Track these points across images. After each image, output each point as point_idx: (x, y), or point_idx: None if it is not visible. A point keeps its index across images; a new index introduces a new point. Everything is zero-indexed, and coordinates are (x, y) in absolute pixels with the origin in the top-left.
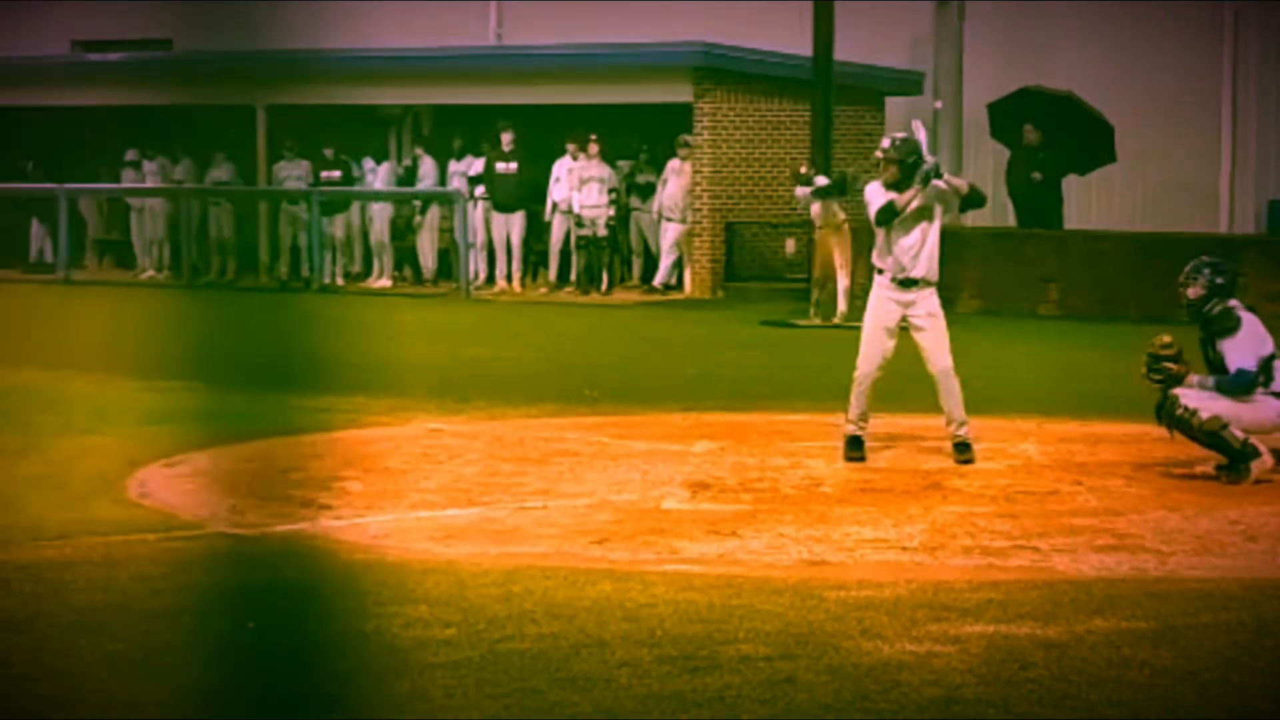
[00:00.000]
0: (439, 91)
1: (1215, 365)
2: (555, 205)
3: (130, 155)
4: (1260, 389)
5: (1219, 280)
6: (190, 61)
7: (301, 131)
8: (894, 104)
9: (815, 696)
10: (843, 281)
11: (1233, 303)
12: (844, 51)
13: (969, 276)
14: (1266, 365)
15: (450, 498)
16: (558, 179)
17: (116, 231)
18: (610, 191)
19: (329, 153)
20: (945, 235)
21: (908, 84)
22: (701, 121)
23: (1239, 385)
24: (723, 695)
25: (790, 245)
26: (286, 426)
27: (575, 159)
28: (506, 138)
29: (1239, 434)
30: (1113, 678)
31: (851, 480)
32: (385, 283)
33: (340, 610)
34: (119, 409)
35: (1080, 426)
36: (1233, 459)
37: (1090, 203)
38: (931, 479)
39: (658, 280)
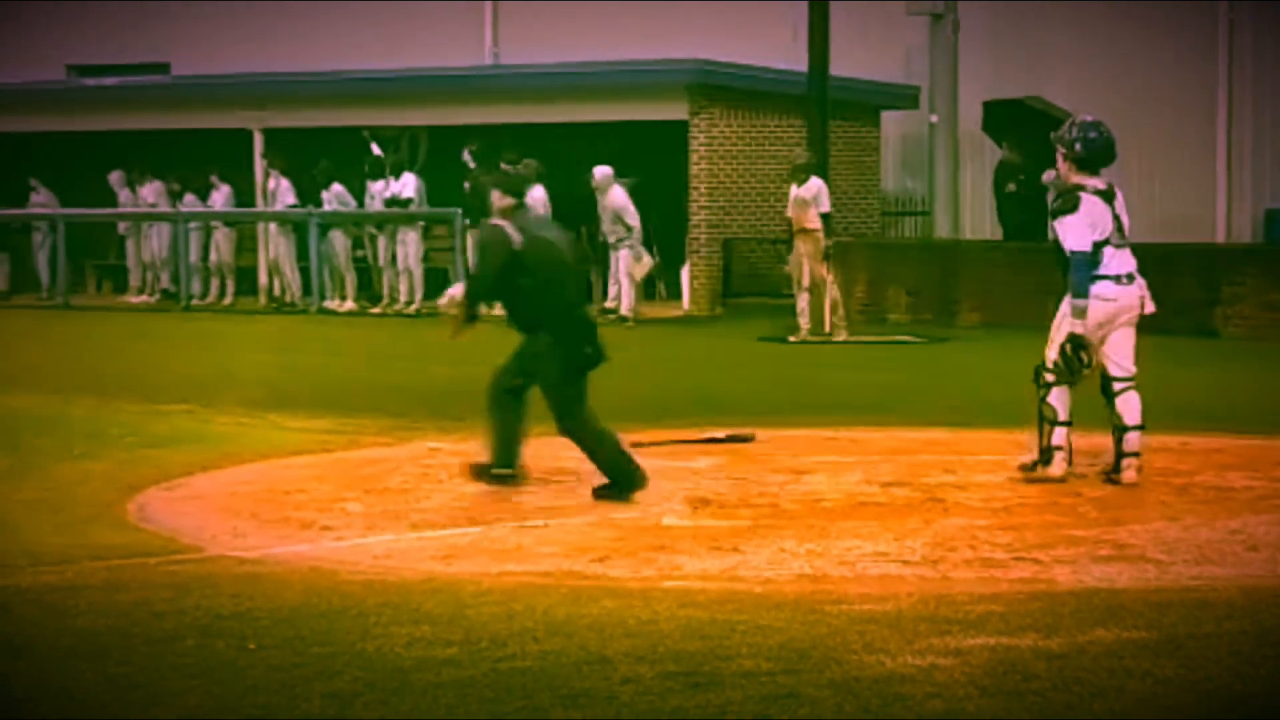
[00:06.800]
0: (435, 112)
1: None
2: None
3: (113, 177)
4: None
5: None
6: (187, 85)
7: (298, 153)
8: (889, 118)
9: (817, 711)
10: (829, 294)
11: None
12: (839, 66)
13: (969, 290)
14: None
15: (451, 517)
16: None
17: (114, 255)
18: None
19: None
20: (946, 248)
21: (903, 98)
22: (697, 138)
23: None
24: (725, 711)
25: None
26: (285, 448)
27: None
28: (466, 154)
29: (1059, 438)
30: (1115, 688)
31: (852, 495)
32: (350, 306)
33: (342, 631)
34: (117, 432)
35: (1080, 438)
36: (1040, 451)
37: None
38: (932, 492)
39: (625, 310)
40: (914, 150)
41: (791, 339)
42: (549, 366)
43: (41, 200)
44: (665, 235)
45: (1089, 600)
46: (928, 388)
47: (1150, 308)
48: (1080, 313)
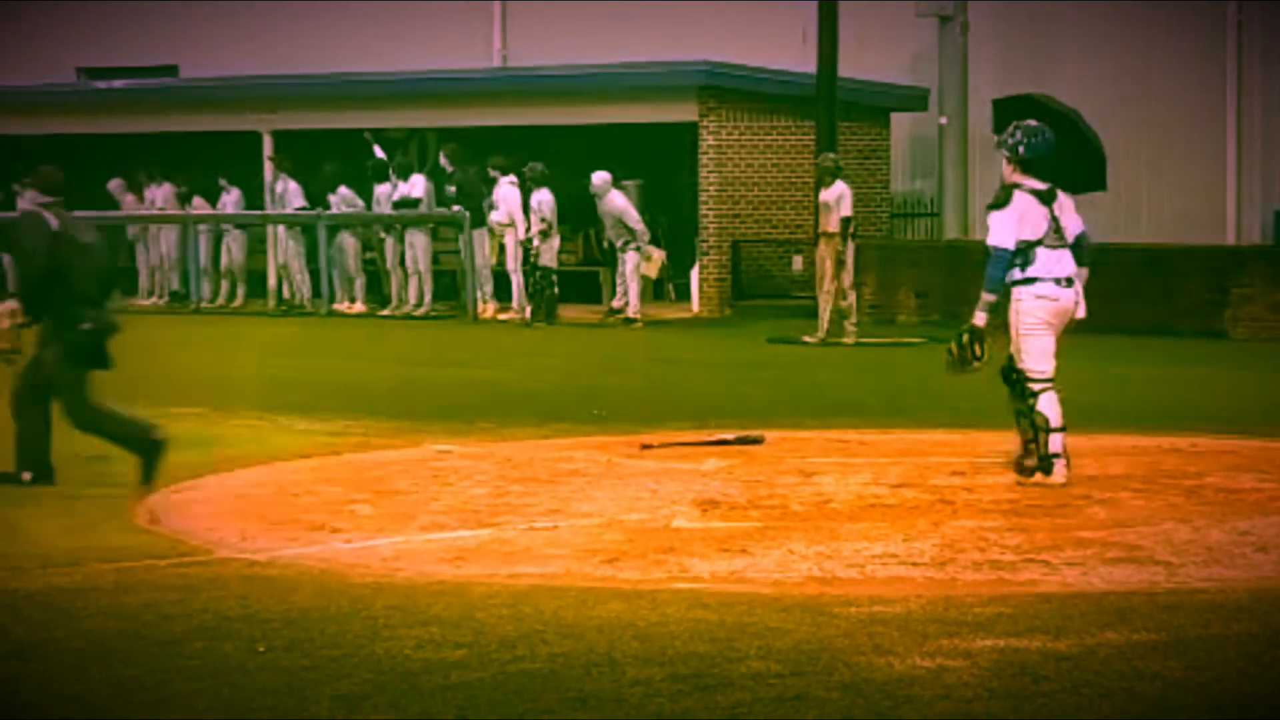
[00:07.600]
0: (444, 114)
1: None
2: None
3: (113, 185)
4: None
5: None
6: (195, 88)
7: (307, 156)
8: (898, 120)
9: (826, 713)
10: (844, 299)
11: None
12: (848, 68)
13: (978, 291)
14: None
15: (460, 519)
16: (493, 205)
17: (123, 259)
18: (541, 220)
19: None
20: (955, 249)
21: (912, 100)
22: (706, 140)
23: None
24: (734, 712)
25: (797, 262)
26: (294, 450)
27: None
28: (442, 158)
29: (1056, 444)
30: (1124, 690)
31: (860, 496)
32: (359, 308)
33: (351, 633)
34: None
35: (1088, 440)
36: (1039, 459)
37: (1095, 214)
38: (940, 494)
39: (632, 311)
40: (923, 152)
41: (807, 339)
42: (50, 350)
43: (26, 206)
44: (674, 237)
45: (1098, 602)
46: (936, 389)
47: (1082, 313)
48: (987, 306)
